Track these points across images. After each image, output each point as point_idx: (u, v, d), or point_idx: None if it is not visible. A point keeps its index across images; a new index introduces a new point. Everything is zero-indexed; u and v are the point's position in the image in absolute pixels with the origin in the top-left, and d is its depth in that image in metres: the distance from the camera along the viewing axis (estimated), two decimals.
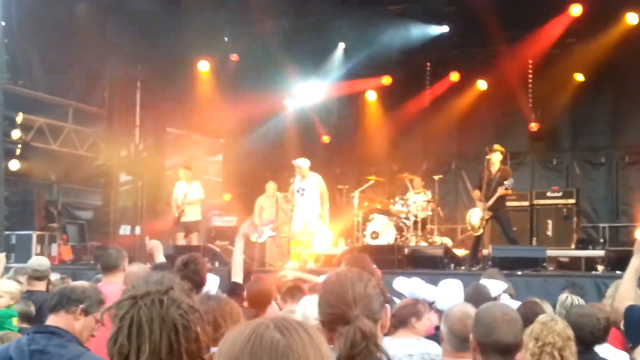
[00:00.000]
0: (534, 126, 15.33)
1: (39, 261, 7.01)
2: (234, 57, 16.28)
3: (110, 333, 1.87)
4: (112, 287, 5.19)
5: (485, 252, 11.98)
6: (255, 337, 1.38)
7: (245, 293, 5.71)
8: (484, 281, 6.27)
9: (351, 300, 2.25)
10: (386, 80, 16.47)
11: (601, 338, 4.47)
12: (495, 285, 5.86)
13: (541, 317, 3.93)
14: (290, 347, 1.36)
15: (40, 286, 6.56)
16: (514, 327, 3.16)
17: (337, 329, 2.19)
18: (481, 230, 11.87)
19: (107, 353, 1.86)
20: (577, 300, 5.58)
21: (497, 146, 12.06)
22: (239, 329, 1.42)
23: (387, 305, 2.38)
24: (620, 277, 4.65)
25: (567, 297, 5.72)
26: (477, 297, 5.24)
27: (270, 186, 13.58)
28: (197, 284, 4.87)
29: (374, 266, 5.97)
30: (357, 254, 6.16)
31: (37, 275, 6.61)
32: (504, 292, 5.52)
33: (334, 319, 2.23)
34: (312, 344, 1.39)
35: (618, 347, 4.80)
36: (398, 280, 6.07)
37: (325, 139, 17.44)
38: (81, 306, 3.60)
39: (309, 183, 12.25)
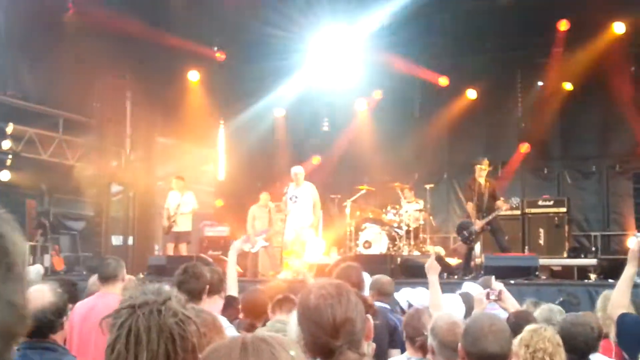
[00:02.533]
0: (525, 147, 15.43)
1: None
2: (220, 53, 16.12)
3: (107, 341, 1.87)
4: (109, 299, 5.17)
5: (477, 260, 11.99)
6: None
7: (240, 304, 5.70)
8: (465, 285, 6.32)
9: (332, 329, 2.15)
10: (377, 94, 16.54)
11: (594, 347, 4.47)
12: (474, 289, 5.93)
13: (530, 326, 3.96)
14: None
15: None
16: (500, 337, 3.22)
17: (320, 356, 2.14)
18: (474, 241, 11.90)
19: None
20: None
21: (485, 160, 12.14)
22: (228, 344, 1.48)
23: (369, 316, 2.30)
24: (612, 285, 4.67)
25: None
26: (466, 305, 5.29)
27: (264, 196, 13.62)
28: (196, 291, 4.84)
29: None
30: (349, 264, 6.14)
31: None
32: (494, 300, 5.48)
33: (317, 347, 2.17)
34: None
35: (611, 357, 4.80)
36: (404, 292, 6.10)
37: (316, 159, 17.37)
38: (64, 318, 3.61)
39: (302, 191, 12.30)
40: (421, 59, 15.59)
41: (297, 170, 12.36)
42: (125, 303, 1.89)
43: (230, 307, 5.44)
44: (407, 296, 6.05)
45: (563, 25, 13.85)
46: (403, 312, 6.00)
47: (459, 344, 3.34)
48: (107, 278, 5.49)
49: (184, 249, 13.71)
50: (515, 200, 11.83)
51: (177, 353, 1.82)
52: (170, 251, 13.74)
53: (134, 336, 1.82)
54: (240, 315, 5.61)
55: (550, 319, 5.39)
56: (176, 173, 14.95)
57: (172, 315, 1.85)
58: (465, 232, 12.12)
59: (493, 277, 6.43)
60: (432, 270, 5.33)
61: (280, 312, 5.04)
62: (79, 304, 5.61)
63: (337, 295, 2.23)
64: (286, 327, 4.00)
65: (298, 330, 2.24)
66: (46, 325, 3.47)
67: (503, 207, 11.64)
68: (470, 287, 6.42)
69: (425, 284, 8.14)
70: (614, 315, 4.34)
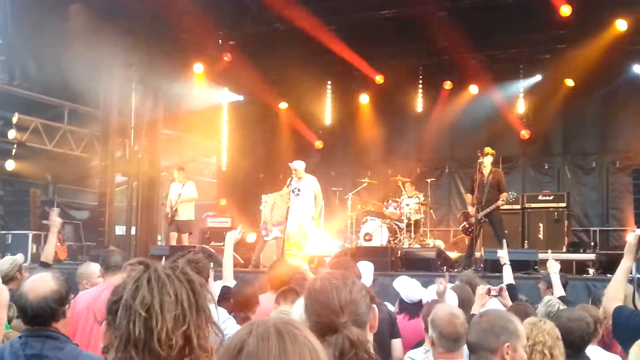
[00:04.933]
0: (525, 134, 15.48)
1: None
2: (227, 56, 16.27)
3: (115, 294, 1.82)
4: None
5: (477, 254, 12.10)
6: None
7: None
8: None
9: (337, 307, 2.22)
10: (379, 79, 16.41)
11: (590, 342, 4.55)
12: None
13: (529, 319, 4.03)
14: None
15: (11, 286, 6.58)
16: (480, 329, 3.33)
17: (326, 337, 2.18)
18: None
19: (122, 312, 1.78)
20: (560, 305, 5.66)
21: (487, 149, 12.19)
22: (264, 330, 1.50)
23: (374, 306, 2.36)
24: (610, 280, 4.75)
25: (550, 299, 5.81)
26: (463, 298, 5.41)
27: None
28: None
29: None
30: (342, 258, 6.23)
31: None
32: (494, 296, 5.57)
33: (322, 327, 2.21)
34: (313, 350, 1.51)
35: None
36: (399, 280, 6.14)
37: (319, 144, 17.51)
38: (66, 306, 3.61)
39: (304, 184, 12.40)
40: (423, 54, 15.71)
41: (296, 166, 12.43)
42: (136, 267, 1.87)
43: (225, 299, 5.49)
44: (405, 288, 6.09)
45: (565, 11, 13.71)
46: (401, 302, 6.08)
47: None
48: (113, 267, 5.48)
49: (185, 239, 13.84)
50: (512, 195, 11.90)
51: (199, 296, 1.82)
52: (173, 241, 13.87)
53: (156, 281, 1.79)
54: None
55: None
56: (179, 164, 15.05)
57: (185, 269, 1.86)
58: (465, 223, 12.28)
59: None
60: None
61: (285, 302, 5.09)
62: (82, 293, 5.62)
63: (343, 278, 2.32)
64: (289, 316, 4.11)
65: (303, 316, 2.30)
66: (48, 314, 3.48)
67: (499, 201, 11.74)
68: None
69: (422, 277, 8.27)
70: (609, 307, 4.40)
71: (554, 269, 6.68)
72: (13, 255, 7.80)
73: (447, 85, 16.02)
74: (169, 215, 13.91)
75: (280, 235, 12.99)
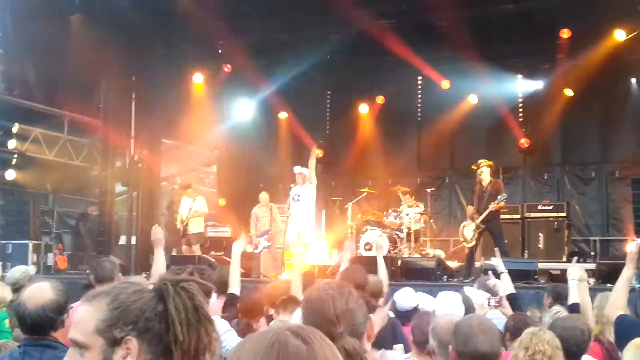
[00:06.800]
0: (524, 142, 15.49)
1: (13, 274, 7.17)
2: (227, 67, 16.35)
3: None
4: None
5: (477, 264, 12.09)
6: (279, 344, 1.37)
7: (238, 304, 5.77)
8: (467, 290, 6.39)
9: (334, 317, 2.22)
10: (380, 99, 16.65)
11: (586, 350, 4.55)
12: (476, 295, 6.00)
13: (530, 329, 4.03)
14: (315, 355, 1.38)
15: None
16: (490, 336, 3.31)
17: None
18: (473, 242, 11.99)
19: (185, 328, 1.81)
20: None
21: (482, 161, 12.22)
22: (258, 337, 1.42)
23: (371, 315, 2.35)
24: (610, 289, 4.75)
25: (557, 310, 5.80)
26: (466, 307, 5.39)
27: (264, 196, 13.79)
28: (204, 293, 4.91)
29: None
30: (353, 265, 6.24)
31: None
32: (494, 305, 5.55)
33: None
34: (332, 352, 1.43)
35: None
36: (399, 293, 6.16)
37: (319, 153, 17.51)
38: (65, 315, 3.60)
39: (304, 189, 12.44)
40: (422, 63, 15.73)
41: (298, 171, 12.55)
42: (154, 285, 1.89)
43: (231, 305, 5.51)
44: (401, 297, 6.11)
45: (565, 33, 13.90)
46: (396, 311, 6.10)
47: (450, 346, 3.42)
48: (103, 280, 5.50)
49: (197, 250, 13.95)
50: (501, 197, 11.88)
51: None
52: (186, 252, 13.99)
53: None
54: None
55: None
56: (179, 174, 15.05)
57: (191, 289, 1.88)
58: (465, 234, 12.28)
59: (490, 272, 6.56)
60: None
61: (284, 312, 5.09)
62: (78, 303, 5.63)
63: (339, 288, 2.32)
64: None
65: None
66: (47, 323, 3.48)
67: (490, 206, 11.75)
68: (470, 292, 6.50)
69: (424, 287, 8.27)
70: (612, 316, 4.40)
71: (572, 275, 6.25)
72: (24, 265, 7.84)
73: (445, 84, 15.89)
74: (181, 229, 14.07)
75: (269, 243, 13.09)
